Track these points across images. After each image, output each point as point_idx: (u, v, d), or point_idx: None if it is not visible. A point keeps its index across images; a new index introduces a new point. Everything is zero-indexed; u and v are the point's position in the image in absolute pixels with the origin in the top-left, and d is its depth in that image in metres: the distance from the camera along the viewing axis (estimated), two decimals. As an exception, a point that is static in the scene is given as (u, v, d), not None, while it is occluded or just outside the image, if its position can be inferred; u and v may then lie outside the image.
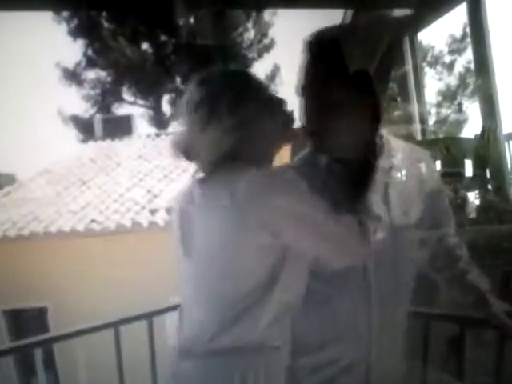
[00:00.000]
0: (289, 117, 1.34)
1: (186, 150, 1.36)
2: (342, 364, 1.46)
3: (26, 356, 2.23)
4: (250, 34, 20.22)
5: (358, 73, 1.28)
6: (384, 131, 1.44)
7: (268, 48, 20.81)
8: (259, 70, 21.31)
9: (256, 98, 1.30)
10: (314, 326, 1.48)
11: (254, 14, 18.61)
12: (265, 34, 20.68)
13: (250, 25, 19.95)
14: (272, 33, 20.78)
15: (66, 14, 19.24)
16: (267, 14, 19.82)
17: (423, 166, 1.46)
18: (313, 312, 1.47)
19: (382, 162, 1.38)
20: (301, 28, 1.36)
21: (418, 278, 1.56)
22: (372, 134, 1.39)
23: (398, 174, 1.41)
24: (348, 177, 1.38)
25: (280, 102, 1.33)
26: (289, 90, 1.37)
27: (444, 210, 1.56)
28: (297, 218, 1.24)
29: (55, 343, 2.36)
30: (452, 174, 4.54)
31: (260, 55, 20.75)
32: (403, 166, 1.42)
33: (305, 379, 1.51)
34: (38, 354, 2.24)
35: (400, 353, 1.53)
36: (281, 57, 21.24)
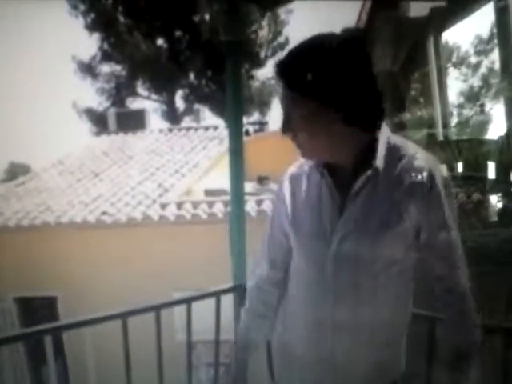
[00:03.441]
0: None
1: None
2: (307, 363, 1.48)
3: (37, 344, 2.25)
4: (265, 31, 20.21)
5: (330, 82, 1.30)
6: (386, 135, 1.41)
7: (282, 46, 20.78)
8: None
9: None
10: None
11: (269, 12, 18.55)
12: (279, 33, 20.65)
13: (264, 23, 19.92)
14: (286, 31, 20.77)
15: (82, 7, 19.34)
16: (282, 13, 19.79)
17: (420, 177, 1.36)
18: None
19: (371, 168, 1.36)
20: (316, 27, 1.37)
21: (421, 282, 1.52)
22: (356, 140, 1.38)
23: (387, 181, 1.37)
24: (335, 180, 1.41)
25: None
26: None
27: (438, 226, 1.38)
28: None
29: (65, 331, 2.38)
30: (464, 177, 4.49)
31: (274, 53, 20.72)
32: (393, 173, 1.38)
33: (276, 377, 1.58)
34: (48, 341, 2.26)
35: (367, 353, 1.46)
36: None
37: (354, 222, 1.37)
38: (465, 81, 15.10)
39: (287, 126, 1.38)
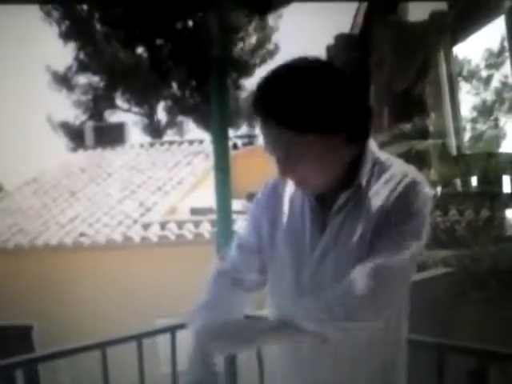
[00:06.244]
0: None
1: None
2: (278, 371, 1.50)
3: (10, 377, 2.22)
4: (253, 39, 20.28)
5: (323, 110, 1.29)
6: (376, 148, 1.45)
7: (271, 54, 20.83)
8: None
9: None
10: None
11: (256, 18, 18.62)
12: (268, 39, 20.73)
13: (251, 29, 20.01)
14: (276, 38, 20.85)
15: (56, 15, 19.38)
16: (271, 18, 19.89)
17: (401, 195, 1.37)
18: None
19: (353, 184, 1.39)
20: (306, 32, 1.38)
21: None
22: (349, 155, 1.39)
23: (369, 198, 1.40)
24: (317, 196, 1.43)
25: None
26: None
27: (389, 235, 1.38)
28: None
29: (40, 363, 2.36)
30: (471, 194, 4.49)
31: (263, 61, 20.78)
32: (376, 189, 1.40)
33: None
34: (20, 376, 2.23)
35: (349, 379, 1.44)
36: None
37: (335, 239, 1.40)
38: (477, 94, 15.47)
39: (288, 168, 1.35)
